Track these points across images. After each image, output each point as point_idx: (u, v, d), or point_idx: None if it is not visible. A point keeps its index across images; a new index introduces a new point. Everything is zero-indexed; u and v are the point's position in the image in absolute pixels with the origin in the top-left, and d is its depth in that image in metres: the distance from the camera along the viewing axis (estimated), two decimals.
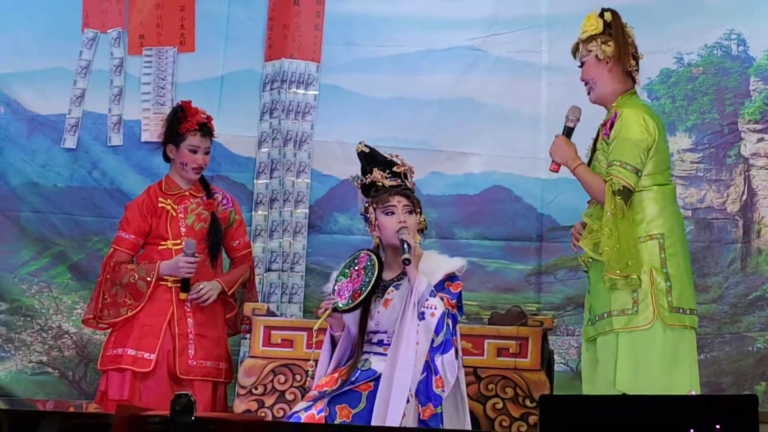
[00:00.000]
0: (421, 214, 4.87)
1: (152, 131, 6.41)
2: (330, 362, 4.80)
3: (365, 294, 4.68)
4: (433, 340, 4.58)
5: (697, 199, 6.43)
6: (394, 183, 4.84)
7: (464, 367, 5.18)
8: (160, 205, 5.42)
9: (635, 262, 4.61)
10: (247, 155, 6.52)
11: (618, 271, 4.60)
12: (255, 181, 6.49)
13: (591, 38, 4.81)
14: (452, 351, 4.59)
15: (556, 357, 5.94)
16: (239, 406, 5.25)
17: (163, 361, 5.24)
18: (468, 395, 5.16)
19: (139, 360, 5.23)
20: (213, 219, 5.43)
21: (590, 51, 4.82)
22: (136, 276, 5.31)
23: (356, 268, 4.78)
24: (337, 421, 4.47)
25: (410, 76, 6.51)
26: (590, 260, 4.78)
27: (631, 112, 4.73)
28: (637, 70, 4.85)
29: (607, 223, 4.61)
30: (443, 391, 4.56)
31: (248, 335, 5.49)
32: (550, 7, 6.46)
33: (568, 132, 4.87)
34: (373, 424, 4.45)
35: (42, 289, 6.51)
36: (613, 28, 4.80)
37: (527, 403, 5.22)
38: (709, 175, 6.42)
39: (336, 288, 4.77)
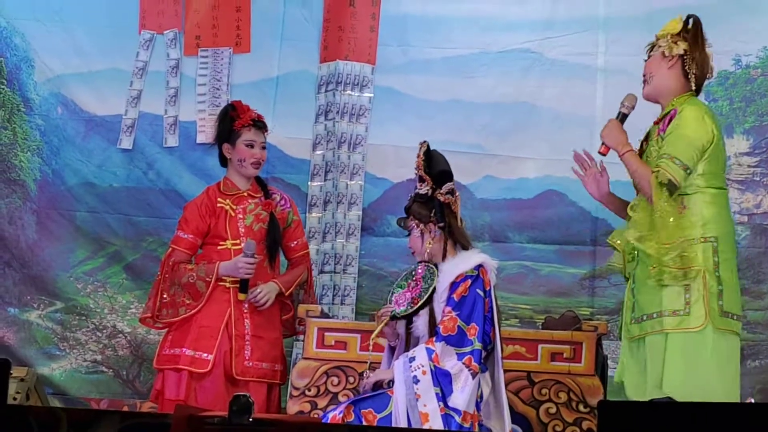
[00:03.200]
0: (431, 213, 4.80)
1: (208, 132, 6.44)
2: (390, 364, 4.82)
3: (425, 298, 4.72)
4: (442, 390, 4.57)
5: (753, 204, 6.36)
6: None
7: (517, 371, 5.19)
8: (218, 205, 5.44)
9: (686, 256, 4.57)
10: (302, 157, 6.54)
11: (670, 266, 4.57)
12: (309, 183, 6.51)
13: (665, 35, 4.78)
14: (459, 393, 4.55)
15: (609, 362, 5.90)
16: (292, 407, 5.26)
17: (220, 362, 5.24)
18: (521, 399, 5.16)
19: (197, 360, 5.24)
20: (271, 219, 5.43)
21: (660, 47, 4.79)
22: (195, 276, 5.32)
23: (414, 278, 4.82)
24: None
25: (465, 79, 6.49)
26: (633, 255, 4.72)
27: (692, 110, 4.69)
28: (698, 79, 4.78)
29: (660, 216, 4.58)
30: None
31: (301, 337, 5.50)
32: (606, 9, 6.42)
33: (622, 118, 4.84)
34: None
35: (97, 289, 6.56)
36: (690, 30, 4.76)
37: (581, 408, 5.19)
38: (766, 180, 6.36)
39: (393, 299, 4.83)
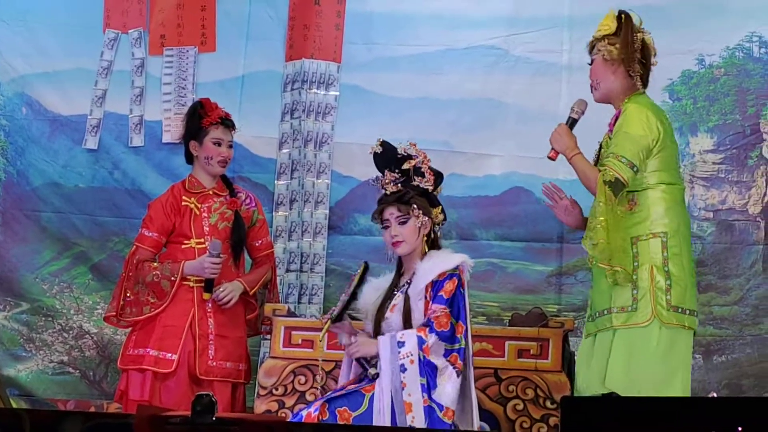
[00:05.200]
0: (434, 207, 4.82)
1: (173, 132, 6.42)
2: (351, 369, 4.84)
3: (342, 304, 4.73)
4: (428, 381, 4.57)
5: (718, 200, 6.40)
6: (394, 189, 4.82)
7: (485, 368, 5.20)
8: (183, 203, 5.43)
9: (620, 255, 4.60)
10: (268, 156, 6.53)
11: (606, 263, 4.59)
12: (276, 181, 6.50)
13: (602, 38, 4.81)
14: (444, 388, 4.56)
15: (576, 359, 5.92)
16: (260, 406, 5.26)
17: (184, 362, 5.24)
18: (488, 396, 5.17)
19: (162, 360, 5.23)
20: (236, 218, 5.43)
21: (599, 51, 4.82)
22: (160, 275, 5.31)
23: (352, 278, 4.83)
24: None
25: (431, 76, 6.50)
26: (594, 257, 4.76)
27: (634, 108, 4.73)
28: (642, 75, 4.81)
29: (600, 213, 4.60)
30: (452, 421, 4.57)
31: (268, 336, 5.50)
32: (571, 7, 6.44)
33: (571, 123, 4.88)
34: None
35: (63, 290, 6.54)
36: (622, 30, 4.78)
37: (548, 404, 5.21)
38: (731, 176, 6.39)
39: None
